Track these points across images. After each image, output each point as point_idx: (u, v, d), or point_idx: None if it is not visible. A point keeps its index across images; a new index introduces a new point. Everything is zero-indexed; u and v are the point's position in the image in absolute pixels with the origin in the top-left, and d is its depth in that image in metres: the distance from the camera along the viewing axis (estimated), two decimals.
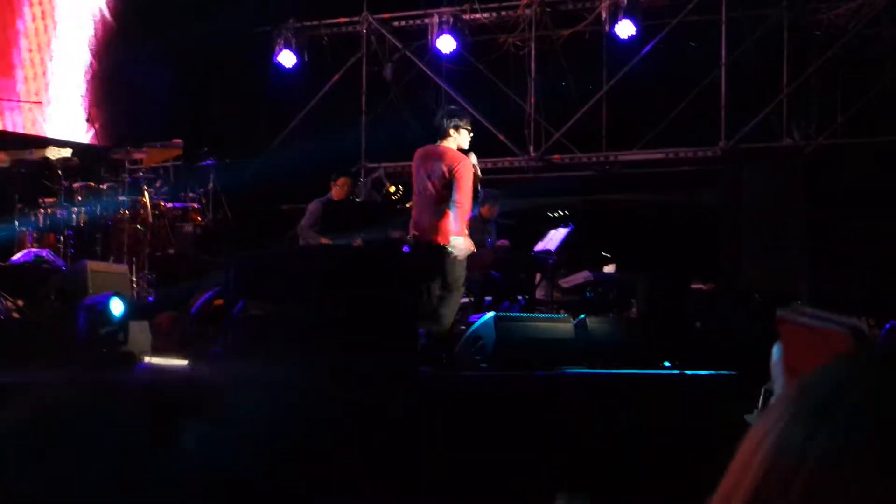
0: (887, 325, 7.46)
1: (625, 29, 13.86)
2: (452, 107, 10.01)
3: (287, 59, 15.20)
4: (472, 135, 9.20)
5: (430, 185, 8.94)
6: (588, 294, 11.00)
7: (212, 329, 10.11)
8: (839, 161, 12.88)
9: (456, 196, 8.81)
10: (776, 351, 3.66)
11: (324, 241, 11.11)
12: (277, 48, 15.20)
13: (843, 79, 13.32)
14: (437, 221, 8.86)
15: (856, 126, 13.17)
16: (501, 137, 14.09)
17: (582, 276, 11.05)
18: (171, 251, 11.98)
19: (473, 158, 8.98)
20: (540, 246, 11.10)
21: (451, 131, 9.00)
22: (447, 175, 8.85)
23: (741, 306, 9.93)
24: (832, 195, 12.35)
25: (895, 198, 11.78)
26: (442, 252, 8.87)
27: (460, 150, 9.02)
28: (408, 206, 11.98)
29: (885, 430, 0.83)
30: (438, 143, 9.05)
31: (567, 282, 11.11)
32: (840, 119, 13.20)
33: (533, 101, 14.47)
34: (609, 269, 11.72)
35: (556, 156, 14.34)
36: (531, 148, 14.31)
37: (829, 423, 0.86)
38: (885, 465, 0.82)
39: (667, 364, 8.77)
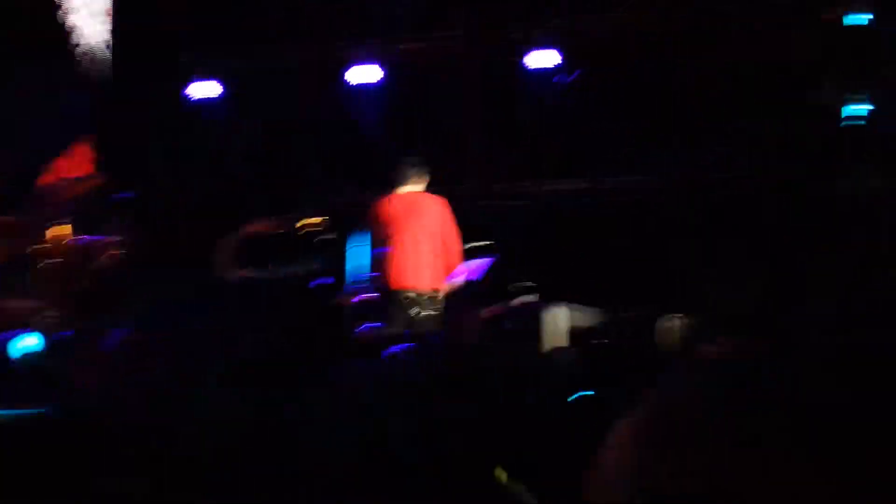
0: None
1: (551, 59, 13.88)
2: (414, 154, 10.24)
3: (210, 90, 15.07)
4: None
5: (428, 237, 9.16)
6: (510, 324, 10.95)
7: (129, 364, 9.96)
8: (766, 193, 12.97)
9: (457, 242, 9.22)
10: None
11: (244, 273, 11.00)
12: (198, 78, 15.07)
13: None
14: (438, 270, 9.18)
15: (781, 159, 13.25)
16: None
17: (504, 307, 11.01)
18: (88, 285, 11.83)
19: None
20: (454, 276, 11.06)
21: (421, 177, 9.32)
22: (440, 223, 9.13)
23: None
24: (757, 226, 12.43)
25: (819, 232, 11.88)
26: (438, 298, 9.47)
27: None
28: (329, 237, 11.94)
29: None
30: (409, 189, 9.30)
31: (489, 312, 11.05)
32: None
33: (463, 132, 14.47)
34: (532, 298, 11.67)
35: (487, 186, 14.32)
36: (465, 179, 14.27)
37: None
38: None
39: (584, 393, 8.73)
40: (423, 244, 9.28)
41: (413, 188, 9.48)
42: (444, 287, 9.48)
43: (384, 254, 9.47)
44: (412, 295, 9.34)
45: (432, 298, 9.32)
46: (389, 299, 9.47)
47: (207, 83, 15.02)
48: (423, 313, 9.28)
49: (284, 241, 11.63)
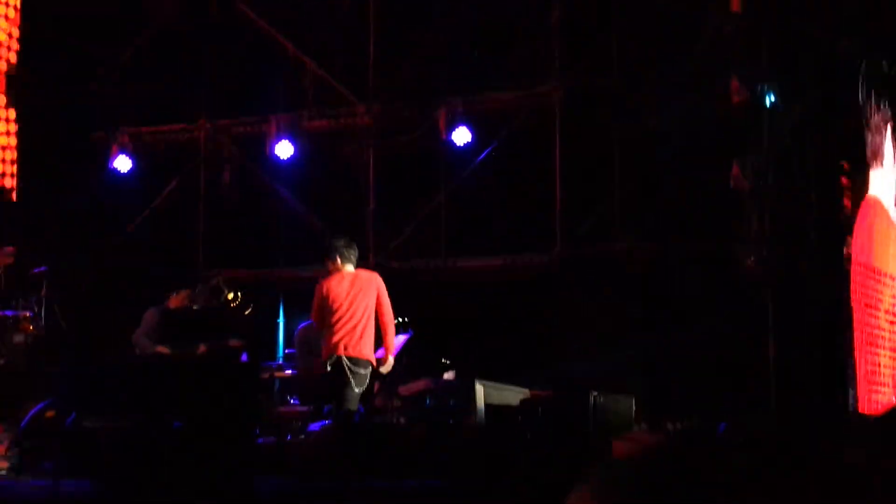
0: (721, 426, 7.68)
1: (461, 136, 14.03)
2: (341, 238, 10.59)
3: (123, 164, 15.02)
4: None
5: (368, 310, 9.84)
6: (428, 401, 11.00)
7: (43, 443, 9.84)
8: (670, 264, 13.17)
9: (390, 314, 9.76)
10: None
11: (161, 349, 10.93)
12: (113, 153, 15.01)
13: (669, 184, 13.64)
14: (372, 341, 9.43)
15: (683, 230, 13.46)
16: None
17: (422, 384, 11.05)
18: (1, 361, 11.67)
19: None
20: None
21: (355, 255, 9.77)
22: (378, 298, 9.84)
23: (579, 411, 10.01)
24: (664, 297, 12.64)
25: (722, 301, 12.09)
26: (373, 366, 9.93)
27: None
28: (246, 312, 11.92)
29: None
30: (349, 267, 9.86)
31: (406, 389, 11.09)
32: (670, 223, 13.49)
33: (372, 206, 14.54)
34: (448, 375, 11.74)
35: (395, 262, 14.37)
36: (371, 255, 14.33)
37: None
38: None
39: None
40: (366, 318, 9.79)
41: (352, 266, 10.00)
42: (385, 359, 9.92)
43: (330, 326, 9.80)
44: (354, 365, 9.68)
45: (370, 369, 9.80)
46: (332, 369, 9.73)
47: (121, 158, 14.97)
48: (364, 383, 9.71)
49: (203, 315, 11.58)
